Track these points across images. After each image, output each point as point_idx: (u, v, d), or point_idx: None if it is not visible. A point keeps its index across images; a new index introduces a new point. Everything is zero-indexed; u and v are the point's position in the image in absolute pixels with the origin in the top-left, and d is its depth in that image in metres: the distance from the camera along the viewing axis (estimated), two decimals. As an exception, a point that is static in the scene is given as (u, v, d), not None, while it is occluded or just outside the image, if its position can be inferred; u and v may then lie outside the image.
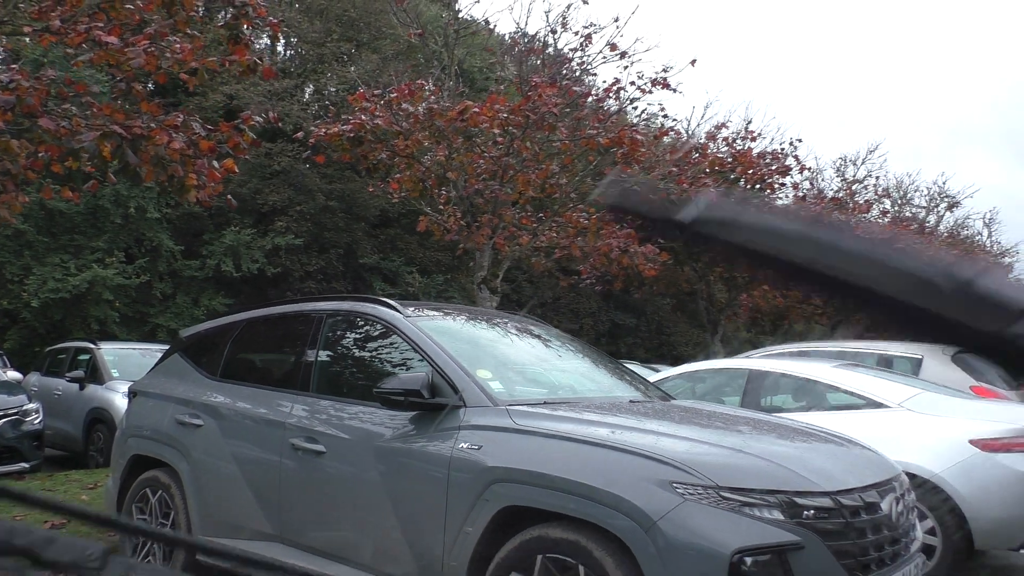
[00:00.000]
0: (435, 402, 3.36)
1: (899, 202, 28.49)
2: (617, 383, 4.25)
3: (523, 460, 3.03)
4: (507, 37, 27.01)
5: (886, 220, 22.07)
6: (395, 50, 21.64)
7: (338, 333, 4.22)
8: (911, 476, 4.90)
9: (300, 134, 10.67)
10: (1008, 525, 4.79)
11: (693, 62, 12.10)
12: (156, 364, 5.37)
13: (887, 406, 5.27)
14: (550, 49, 12.82)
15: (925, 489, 4.93)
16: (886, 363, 7.56)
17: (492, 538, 3.06)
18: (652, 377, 7.08)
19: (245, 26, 8.08)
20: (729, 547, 2.59)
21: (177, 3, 7.56)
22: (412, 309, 4.06)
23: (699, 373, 6.59)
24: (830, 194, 20.69)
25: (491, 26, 21.36)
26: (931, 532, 4.90)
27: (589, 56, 13.46)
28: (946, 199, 30.00)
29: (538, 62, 13.47)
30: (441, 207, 11.00)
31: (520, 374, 4.06)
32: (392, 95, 9.60)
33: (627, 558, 2.71)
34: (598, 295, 24.36)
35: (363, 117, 9.33)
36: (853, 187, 20.08)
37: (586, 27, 12.71)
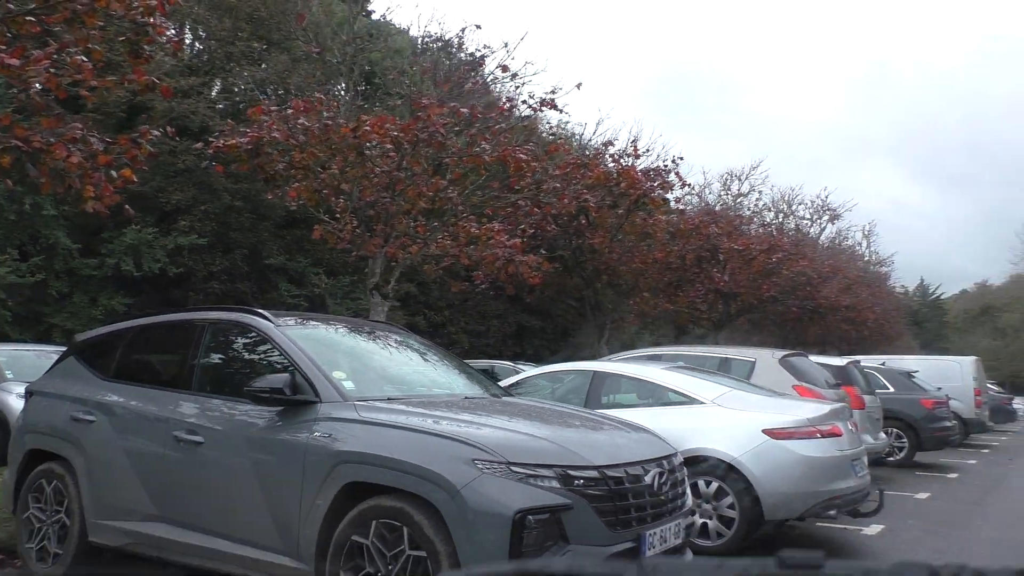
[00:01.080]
0: (296, 399, 4.05)
1: (784, 213, 30.54)
2: (461, 382, 5.02)
3: (363, 445, 3.76)
4: (419, 42, 27.61)
5: (765, 231, 23.72)
6: (306, 51, 21.88)
7: (218, 339, 4.84)
8: (714, 459, 5.88)
9: (199, 144, 11.05)
10: (791, 498, 5.79)
11: (579, 85, 13.10)
12: (52, 366, 5.84)
13: (702, 402, 6.23)
14: (443, 73, 13.54)
15: (726, 470, 5.90)
16: (725, 366, 8.61)
17: (338, 509, 3.77)
18: (521, 376, 7.91)
19: (146, 44, 8.49)
20: (513, 508, 3.38)
21: (78, 21, 7.92)
22: (284, 319, 4.74)
23: (556, 374, 7.45)
24: (718, 207, 22.16)
25: (394, 44, 21.87)
26: (731, 506, 5.88)
27: (481, 77, 14.28)
28: (828, 211, 32.31)
29: (448, 68, 14.18)
30: (338, 215, 11.57)
31: (374, 375, 4.78)
32: (289, 110, 10.15)
33: (439, 520, 3.47)
34: (505, 298, 25.19)
35: (261, 130, 9.84)
36: (737, 200, 21.63)
37: (479, 49, 13.51)
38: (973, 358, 17.75)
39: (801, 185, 63.52)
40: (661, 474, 4.01)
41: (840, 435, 6.08)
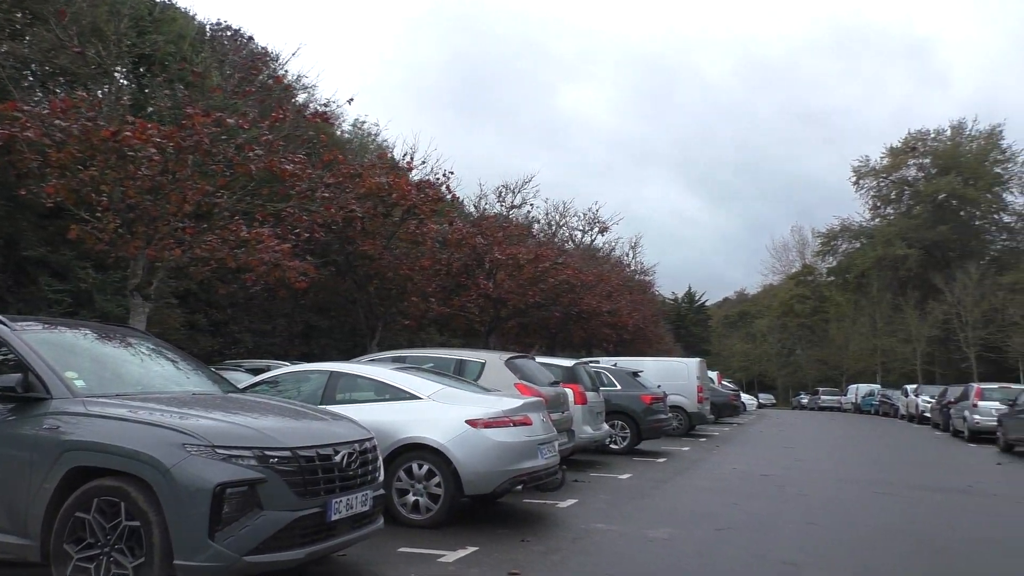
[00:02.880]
0: (27, 396, 4.63)
1: (557, 224, 33.19)
2: (196, 381, 5.74)
3: (87, 435, 4.43)
4: (208, 29, 26.94)
5: (536, 242, 25.78)
6: (68, 48, 20.78)
7: (-46, 342, 5.20)
8: (425, 445, 6.98)
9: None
10: (485, 476, 7.03)
11: (351, 100, 14.05)
12: None
13: (420, 398, 7.35)
14: (217, 80, 13.81)
15: (436, 455, 7.04)
16: (461, 367, 9.84)
17: (64, 490, 4.41)
18: (271, 375, 8.60)
19: None
20: (213, 482, 4.22)
21: None
22: (23, 323, 5.23)
23: (301, 373, 8.27)
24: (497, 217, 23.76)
25: (178, 28, 21.42)
26: (439, 485, 7.02)
27: (254, 88, 14.67)
28: (597, 223, 35.40)
29: (235, 63, 14.32)
30: (99, 214, 11.53)
31: (109, 375, 5.38)
32: (46, 110, 10.10)
33: (152, 495, 4.23)
34: (292, 298, 25.19)
35: (13, 128, 9.73)
36: (510, 211, 23.38)
37: (253, 61, 13.84)
38: (698, 360, 20.61)
39: (573, 199, 69.40)
40: (351, 454, 5.01)
41: (530, 424, 7.42)
